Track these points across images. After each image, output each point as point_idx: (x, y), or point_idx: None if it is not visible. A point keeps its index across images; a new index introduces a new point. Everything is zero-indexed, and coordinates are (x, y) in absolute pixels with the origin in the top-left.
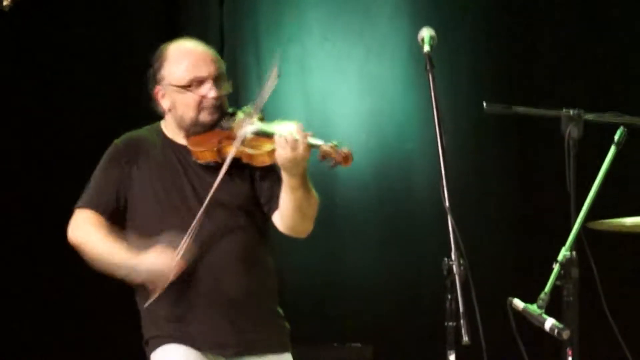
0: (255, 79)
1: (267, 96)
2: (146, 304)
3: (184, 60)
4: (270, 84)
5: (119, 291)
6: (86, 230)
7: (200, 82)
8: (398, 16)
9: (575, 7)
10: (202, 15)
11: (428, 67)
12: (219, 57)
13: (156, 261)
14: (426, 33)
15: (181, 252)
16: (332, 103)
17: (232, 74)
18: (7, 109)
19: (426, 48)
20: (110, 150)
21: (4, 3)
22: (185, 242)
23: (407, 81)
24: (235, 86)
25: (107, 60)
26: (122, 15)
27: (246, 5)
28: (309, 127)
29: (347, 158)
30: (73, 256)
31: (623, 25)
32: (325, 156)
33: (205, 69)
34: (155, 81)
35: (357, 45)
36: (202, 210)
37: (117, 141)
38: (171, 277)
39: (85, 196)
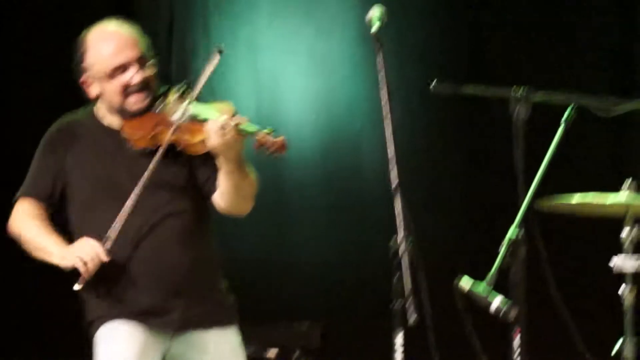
0: (203, 57)
1: (203, 82)
2: (75, 287)
3: (103, 48)
4: (208, 70)
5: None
6: (23, 222)
7: (123, 68)
8: None
9: None
10: (154, 7)
11: (376, 47)
12: (141, 37)
13: (82, 250)
14: (375, 12)
15: (110, 240)
16: (281, 82)
17: (181, 53)
18: None
19: (375, 27)
20: (45, 137)
21: None
22: (114, 229)
23: (356, 60)
24: (183, 65)
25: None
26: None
27: None
28: (259, 110)
29: (282, 146)
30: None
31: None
32: (260, 145)
33: (126, 55)
34: (81, 70)
35: (306, 24)
36: (132, 195)
37: (52, 128)
38: (97, 263)
39: (24, 186)
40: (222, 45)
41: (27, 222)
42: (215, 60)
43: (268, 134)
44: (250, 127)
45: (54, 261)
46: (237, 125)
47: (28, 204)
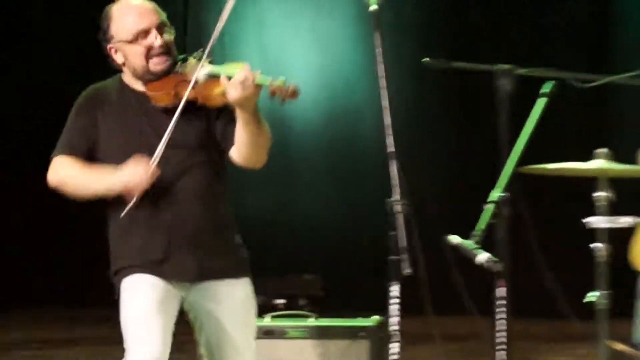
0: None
1: (216, 37)
2: (123, 213)
3: (127, 17)
4: (220, 25)
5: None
6: (64, 169)
7: (145, 33)
8: None
9: None
10: None
11: (374, 25)
12: (158, 8)
13: (133, 170)
14: None
15: (155, 161)
16: (286, 57)
17: (195, 27)
18: None
19: (372, 7)
20: (77, 102)
21: None
22: (158, 153)
23: (355, 37)
24: (198, 37)
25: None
26: None
27: None
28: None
29: (294, 92)
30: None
31: None
32: (274, 92)
33: (147, 21)
34: (106, 40)
35: (309, 4)
36: (163, 140)
37: (82, 93)
38: (146, 184)
39: (59, 145)
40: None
41: (71, 168)
42: (224, 20)
43: (281, 82)
44: (265, 78)
45: (109, 187)
46: (253, 77)
47: (65, 160)
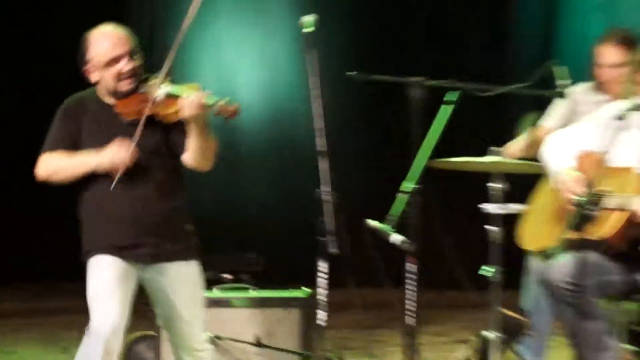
0: (177, 56)
1: (171, 62)
2: (112, 187)
3: (103, 44)
4: (173, 52)
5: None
6: (53, 162)
7: (117, 59)
8: (287, 6)
9: None
10: (139, 10)
11: (308, 45)
12: (131, 36)
13: (116, 149)
14: (306, 19)
15: (133, 144)
16: (237, 72)
17: (160, 47)
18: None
19: (306, 30)
20: (62, 107)
21: None
22: (135, 139)
23: (294, 55)
24: (162, 57)
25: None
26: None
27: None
28: (220, 89)
29: (235, 112)
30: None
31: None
32: (219, 112)
33: (120, 49)
34: (84, 62)
35: (257, 27)
36: (136, 133)
37: (67, 100)
38: (127, 161)
39: (46, 144)
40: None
41: (58, 158)
42: (176, 48)
43: (226, 102)
44: (212, 99)
45: (94, 166)
46: (203, 99)
47: (52, 154)
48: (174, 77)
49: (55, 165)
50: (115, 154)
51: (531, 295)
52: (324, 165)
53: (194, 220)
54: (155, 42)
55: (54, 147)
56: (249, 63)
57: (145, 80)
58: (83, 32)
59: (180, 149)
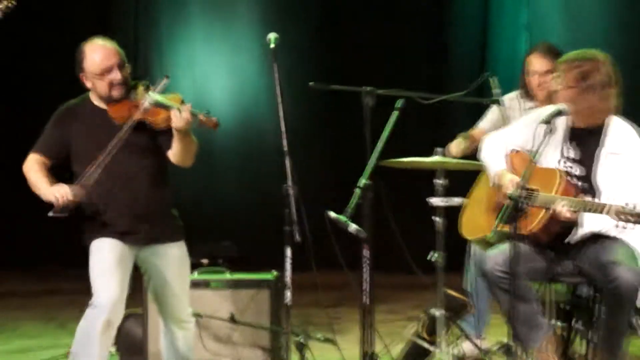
0: (158, 67)
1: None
2: (49, 214)
3: (96, 57)
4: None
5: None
6: (30, 168)
7: (109, 69)
8: (254, 23)
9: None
10: (124, 27)
11: (272, 58)
12: (120, 49)
13: (54, 191)
14: (270, 36)
15: (85, 179)
16: (210, 82)
17: (143, 59)
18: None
19: (271, 45)
20: (56, 113)
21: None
22: (88, 173)
23: (260, 67)
24: (145, 67)
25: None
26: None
27: (154, 18)
28: (195, 100)
29: (216, 124)
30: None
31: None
32: (202, 123)
33: (111, 61)
34: (80, 70)
35: (227, 44)
36: (107, 150)
37: (62, 106)
38: (65, 200)
39: (37, 144)
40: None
41: (33, 169)
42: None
43: (206, 114)
44: (196, 111)
45: (41, 195)
46: (189, 110)
47: (37, 156)
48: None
49: (26, 170)
50: (53, 192)
51: (471, 277)
52: (287, 163)
53: (177, 211)
54: (139, 53)
55: (38, 150)
56: (221, 74)
57: (134, 87)
58: (73, 44)
59: (166, 148)
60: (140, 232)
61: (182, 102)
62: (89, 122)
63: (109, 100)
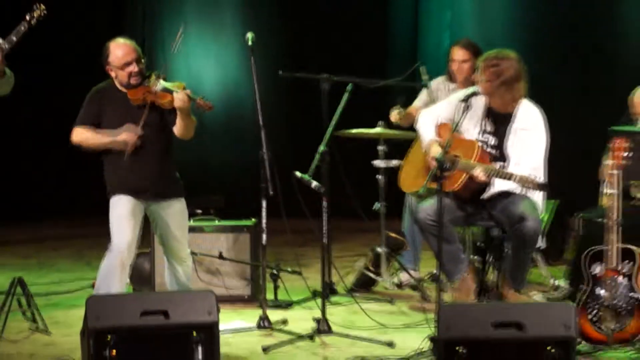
0: (161, 60)
1: (168, 66)
2: (125, 157)
3: (119, 53)
4: (176, 45)
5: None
6: (83, 134)
7: (128, 63)
8: (236, 27)
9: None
10: (135, 30)
11: (250, 53)
12: (137, 47)
13: (126, 132)
14: (249, 35)
15: (139, 131)
16: (202, 74)
17: (149, 58)
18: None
19: (249, 43)
20: (90, 93)
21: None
22: (140, 125)
23: (242, 60)
24: (151, 61)
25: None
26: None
27: (157, 23)
28: (190, 86)
29: (210, 107)
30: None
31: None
32: (198, 107)
33: (130, 56)
34: (106, 63)
35: (215, 42)
36: (142, 120)
37: (93, 89)
38: (136, 140)
39: (77, 120)
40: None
41: (87, 133)
42: (178, 37)
43: (202, 98)
44: (195, 95)
45: (111, 140)
46: (188, 94)
47: (82, 128)
48: (167, 76)
49: (84, 137)
50: (126, 136)
51: (407, 223)
52: (262, 134)
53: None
54: (145, 50)
55: (81, 122)
56: (210, 65)
57: (148, 77)
58: (95, 45)
59: (171, 124)
60: (149, 190)
61: (184, 88)
62: (114, 102)
63: (128, 86)
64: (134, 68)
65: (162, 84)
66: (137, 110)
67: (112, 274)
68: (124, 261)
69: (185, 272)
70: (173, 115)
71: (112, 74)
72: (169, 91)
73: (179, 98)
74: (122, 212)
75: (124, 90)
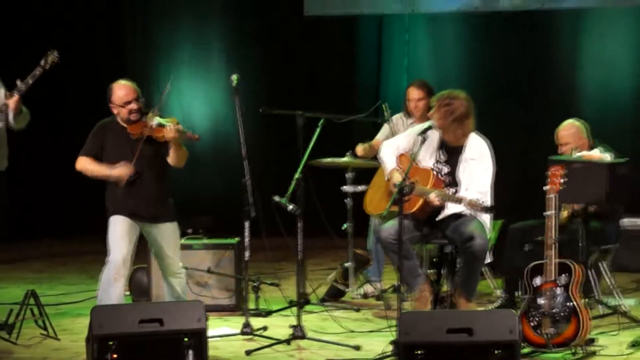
0: (157, 98)
1: (162, 104)
2: (117, 189)
3: (120, 92)
4: (162, 98)
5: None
6: (85, 164)
7: (129, 102)
8: (223, 69)
9: (303, 55)
10: (137, 71)
11: (234, 92)
12: (137, 87)
13: (120, 168)
14: (234, 76)
15: (132, 165)
16: (194, 111)
17: (147, 96)
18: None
19: (233, 83)
20: (95, 127)
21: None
22: (132, 162)
23: (229, 100)
24: (148, 101)
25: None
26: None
27: (155, 66)
28: (182, 120)
29: (197, 138)
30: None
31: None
32: (189, 138)
33: (130, 96)
34: (109, 101)
35: (204, 82)
36: (135, 155)
37: (99, 123)
38: (128, 176)
39: (82, 150)
40: (168, 93)
41: (89, 163)
42: (164, 96)
43: (191, 131)
44: (185, 129)
45: (108, 174)
46: (179, 129)
47: (85, 157)
48: (163, 113)
49: (85, 167)
50: (120, 170)
51: (372, 241)
52: (245, 164)
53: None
54: (144, 90)
55: (86, 153)
56: (201, 103)
57: (146, 113)
58: (101, 83)
59: (166, 155)
60: (144, 213)
61: (177, 123)
62: (115, 135)
63: (128, 122)
64: (133, 106)
65: (157, 119)
66: (135, 143)
67: (111, 284)
68: (120, 273)
69: (181, 285)
70: (167, 146)
71: (115, 111)
72: (163, 126)
73: (171, 131)
74: (119, 230)
75: (124, 125)
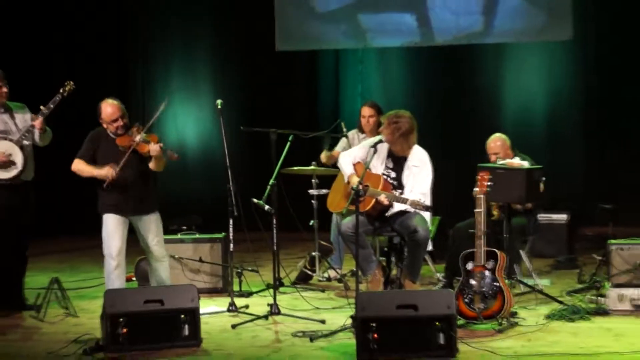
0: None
1: (154, 120)
2: (104, 186)
3: (108, 110)
4: (156, 115)
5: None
6: (79, 165)
7: (115, 119)
8: (210, 93)
9: (270, 81)
10: (136, 97)
11: (218, 113)
12: (122, 106)
13: (105, 169)
14: (218, 101)
15: (117, 169)
16: (186, 129)
17: (141, 108)
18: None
19: (218, 106)
20: (90, 134)
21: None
22: (118, 167)
23: (215, 120)
24: (136, 115)
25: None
26: None
27: (152, 91)
28: (176, 138)
29: (176, 158)
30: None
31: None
32: (169, 157)
33: (117, 114)
34: (99, 118)
35: (194, 104)
36: (121, 164)
37: (93, 131)
38: (114, 176)
39: (78, 153)
40: (162, 110)
41: (83, 164)
42: (159, 112)
43: (171, 152)
44: (165, 148)
45: (95, 173)
46: (161, 146)
47: (80, 160)
48: (153, 130)
49: (79, 168)
50: (106, 172)
51: (334, 234)
52: (229, 172)
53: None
54: (145, 113)
55: (80, 156)
56: (192, 122)
57: (131, 127)
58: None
59: (149, 162)
60: (129, 208)
61: (159, 140)
62: (105, 144)
63: (115, 135)
64: (119, 123)
65: (141, 135)
66: (121, 152)
67: (110, 274)
68: (116, 264)
69: (164, 270)
70: (150, 156)
71: (104, 126)
72: (147, 142)
73: (155, 149)
74: (112, 225)
75: (112, 137)
